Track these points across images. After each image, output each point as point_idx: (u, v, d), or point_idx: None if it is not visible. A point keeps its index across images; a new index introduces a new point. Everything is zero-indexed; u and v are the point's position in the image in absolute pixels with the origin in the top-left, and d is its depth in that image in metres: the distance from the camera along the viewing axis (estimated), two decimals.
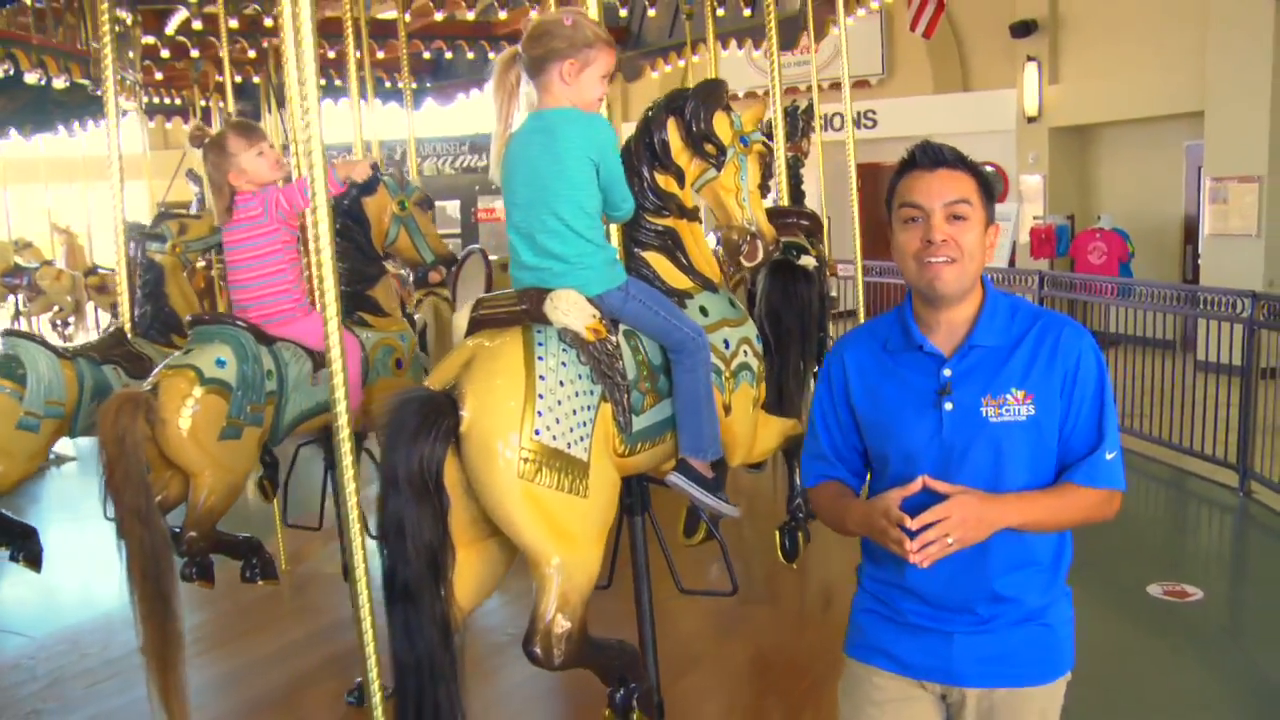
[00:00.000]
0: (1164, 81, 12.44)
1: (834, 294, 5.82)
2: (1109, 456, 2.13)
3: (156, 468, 3.57)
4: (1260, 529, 6.70)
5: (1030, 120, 14.46)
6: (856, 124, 14.21)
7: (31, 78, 6.69)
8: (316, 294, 4.11)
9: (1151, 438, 8.13)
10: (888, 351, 2.23)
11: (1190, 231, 13.22)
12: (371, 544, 2.71)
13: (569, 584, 2.72)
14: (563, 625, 2.72)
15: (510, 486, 2.64)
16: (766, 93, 5.73)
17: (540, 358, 2.75)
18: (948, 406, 2.12)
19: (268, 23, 9.15)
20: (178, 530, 3.67)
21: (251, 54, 11.35)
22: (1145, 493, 7.71)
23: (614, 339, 2.96)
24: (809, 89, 9.77)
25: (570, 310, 2.84)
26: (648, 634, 3.48)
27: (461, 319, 2.98)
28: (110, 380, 4.38)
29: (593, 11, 3.41)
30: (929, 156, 2.15)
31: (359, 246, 4.28)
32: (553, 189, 2.88)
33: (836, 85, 14.79)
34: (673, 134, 3.42)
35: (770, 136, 5.14)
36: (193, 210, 9.20)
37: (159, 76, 11.38)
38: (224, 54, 7.71)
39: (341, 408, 2.45)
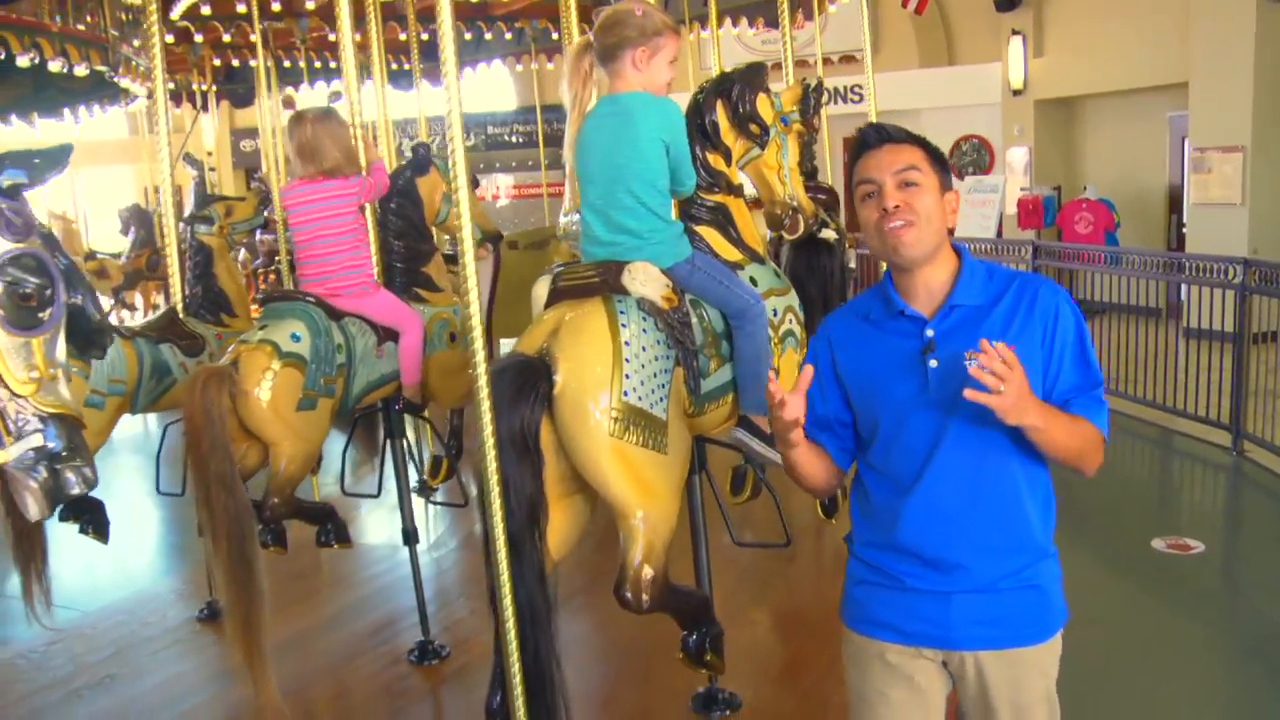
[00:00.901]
0: (1146, 54, 12.68)
1: (852, 265, 6.03)
2: (1103, 398, 2.21)
3: (235, 439, 3.75)
4: (1255, 486, 6.97)
5: (1015, 93, 14.68)
6: (844, 99, 14.47)
7: (55, 65, 6.79)
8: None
9: (1145, 401, 8.38)
10: (870, 322, 2.30)
11: (1174, 201, 13.51)
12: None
13: (653, 535, 2.94)
14: (649, 572, 2.95)
15: (601, 444, 2.85)
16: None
17: (623, 325, 2.96)
18: (932, 364, 2.18)
19: (275, 6, 9.26)
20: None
21: (252, 37, 11.46)
22: (1141, 453, 8.01)
23: (684, 307, 3.17)
24: (807, 64, 9.96)
25: (647, 281, 3.05)
26: (706, 585, 3.71)
27: (540, 290, 3.18)
28: (167, 359, 4.56)
29: None
30: (876, 135, 2.26)
31: (414, 224, 4.47)
32: (629, 168, 3.08)
33: (825, 61, 15.02)
34: (721, 115, 3.63)
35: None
36: (191, 193, 9.35)
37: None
38: (255, 36, 7.83)
39: (482, 382, 2.59)
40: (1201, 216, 11.82)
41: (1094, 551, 5.59)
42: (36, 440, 1.71)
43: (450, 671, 4.42)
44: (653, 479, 2.94)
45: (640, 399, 2.91)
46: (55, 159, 1.83)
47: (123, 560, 6.07)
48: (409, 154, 4.66)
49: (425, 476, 5.49)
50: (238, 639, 3.60)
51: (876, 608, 2.30)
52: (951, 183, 2.28)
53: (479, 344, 2.60)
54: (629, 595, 2.94)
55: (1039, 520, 2.23)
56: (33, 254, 1.73)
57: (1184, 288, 9.72)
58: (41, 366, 1.74)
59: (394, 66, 13.13)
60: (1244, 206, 11.25)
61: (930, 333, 2.20)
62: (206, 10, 8.92)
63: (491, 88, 17.78)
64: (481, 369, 2.58)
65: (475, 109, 18.06)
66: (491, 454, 2.60)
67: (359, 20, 8.53)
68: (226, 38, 11.16)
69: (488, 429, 2.57)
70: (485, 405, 2.58)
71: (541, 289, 3.18)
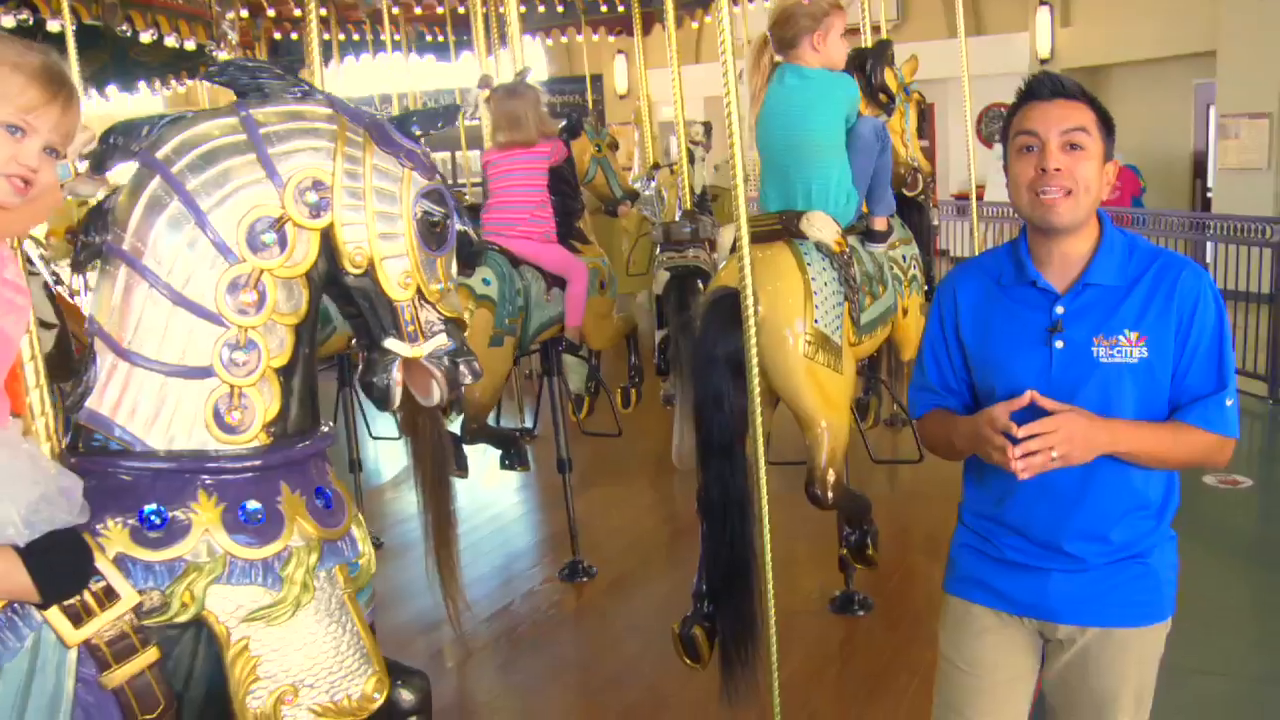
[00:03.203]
0: (1172, 23, 13.11)
1: (936, 223, 6.53)
2: (1228, 403, 2.09)
3: None
4: None
5: (1043, 63, 15.09)
6: None
7: (171, 40, 7.25)
8: None
9: None
10: (1000, 286, 2.20)
11: (1199, 166, 13.98)
12: None
13: (835, 441, 3.46)
14: (832, 475, 3.46)
15: (797, 363, 3.36)
16: None
17: (808, 264, 3.46)
18: (1058, 344, 2.09)
19: None
20: None
21: (297, 12, 11.87)
22: None
23: (849, 251, 3.67)
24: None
25: (823, 227, 3.54)
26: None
27: (727, 236, 3.67)
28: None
29: None
30: (1047, 86, 2.11)
31: (568, 183, 4.95)
32: (816, 135, 3.57)
33: (853, 31, 15.31)
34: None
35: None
36: None
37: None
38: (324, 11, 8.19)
39: (751, 350, 2.99)
40: (1228, 181, 12.29)
41: None
42: (442, 340, 2.18)
43: (598, 588, 4.94)
44: (833, 394, 3.45)
45: (825, 326, 3.41)
46: (450, 114, 2.30)
47: None
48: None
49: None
50: (435, 552, 4.07)
51: (978, 572, 2.27)
52: (1113, 151, 2.14)
53: (750, 320, 2.98)
54: (818, 492, 3.46)
55: (1156, 506, 2.18)
56: (438, 189, 2.18)
57: (1211, 248, 10.25)
58: (444, 280, 2.22)
59: (431, 39, 13.57)
60: (1270, 171, 11.73)
61: (1060, 309, 2.10)
62: None
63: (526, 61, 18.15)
64: (753, 337, 2.98)
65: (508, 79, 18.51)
66: (758, 401, 3.00)
67: None
68: (271, 12, 11.58)
69: (755, 381, 2.97)
70: (754, 363, 2.96)
71: (728, 235, 3.67)
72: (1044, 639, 2.24)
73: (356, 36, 12.99)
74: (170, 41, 7.31)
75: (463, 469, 4.77)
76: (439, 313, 2.16)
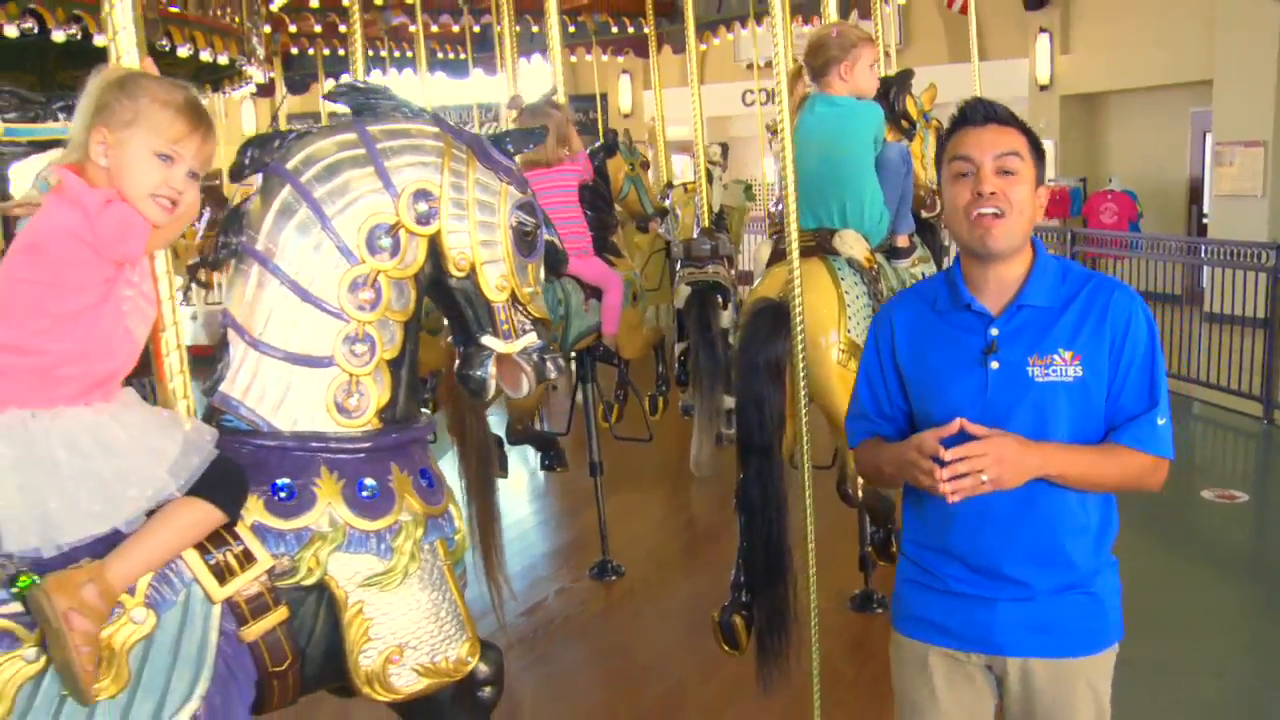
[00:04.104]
0: (1170, 52, 13.41)
1: (946, 243, 6.77)
2: (1160, 421, 2.09)
3: None
4: None
5: (1042, 89, 15.42)
6: None
7: (206, 55, 7.48)
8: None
9: (1179, 376, 9.13)
10: (936, 311, 2.22)
11: (1195, 192, 14.28)
12: None
13: None
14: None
15: (831, 370, 3.58)
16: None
17: (842, 279, 3.69)
18: (993, 365, 2.10)
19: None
20: None
21: (317, 28, 12.15)
22: (1182, 420, 8.76)
23: (878, 268, 3.90)
24: None
25: (854, 245, 3.78)
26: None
27: (764, 251, 3.91)
28: None
29: None
30: (980, 112, 2.13)
31: (603, 198, 5.19)
32: (847, 158, 3.80)
33: None
34: None
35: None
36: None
37: None
38: (358, 29, 8.45)
39: (800, 360, 3.21)
40: (1224, 207, 12.57)
41: (1154, 500, 6.36)
42: (532, 338, 2.41)
43: (627, 586, 5.16)
44: None
45: (856, 335, 3.64)
46: (539, 136, 2.54)
47: None
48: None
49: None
50: (482, 545, 4.29)
51: (923, 609, 2.26)
52: (1045, 176, 2.18)
53: (798, 332, 3.20)
54: (849, 490, 3.70)
55: (1096, 532, 2.17)
56: (530, 201, 2.42)
57: (1205, 273, 10.53)
58: (534, 284, 2.45)
59: (450, 56, 13.88)
60: (1264, 197, 12.01)
61: (995, 332, 2.12)
62: (314, 2, 9.61)
63: (537, 79, 18.46)
64: (798, 342, 3.21)
65: (488, 100, 18.88)
66: (804, 411, 3.24)
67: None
68: (293, 28, 11.86)
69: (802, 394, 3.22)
70: (801, 378, 3.21)
71: (765, 250, 3.91)
72: (994, 674, 2.22)
73: (369, 53, 13.26)
74: (205, 56, 7.53)
75: (504, 469, 4.99)
76: (529, 313, 2.38)
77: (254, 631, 2.07)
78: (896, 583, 2.34)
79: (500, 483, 5.17)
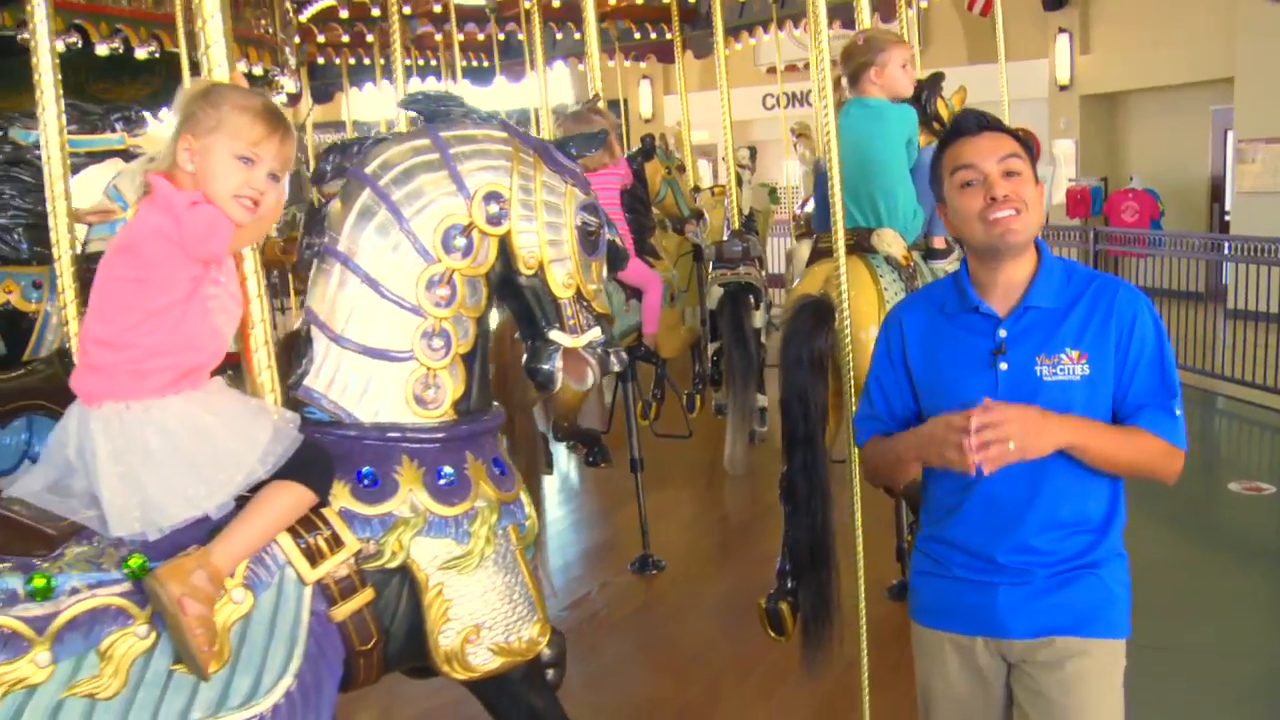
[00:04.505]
0: (1189, 51, 13.44)
1: None
2: (1176, 413, 2.14)
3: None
4: None
5: (1062, 89, 15.46)
6: None
7: (241, 66, 7.63)
8: None
9: (1203, 371, 9.19)
10: (944, 314, 2.27)
11: (1216, 190, 14.31)
12: None
13: None
14: None
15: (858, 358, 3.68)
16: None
17: (880, 276, 3.80)
18: (1003, 366, 2.14)
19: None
20: None
21: (345, 38, 12.31)
22: (1207, 415, 8.83)
23: (915, 265, 4.00)
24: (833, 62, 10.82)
25: (892, 243, 3.88)
26: None
27: (803, 250, 4.02)
28: None
29: None
30: (972, 122, 2.20)
31: (642, 202, 5.31)
32: (880, 159, 3.91)
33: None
34: None
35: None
36: None
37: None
38: (397, 38, 8.61)
39: (847, 354, 3.31)
40: (1246, 204, 12.61)
41: (1180, 492, 6.45)
42: (597, 333, 2.52)
43: (668, 580, 5.26)
44: None
45: None
46: (599, 140, 2.65)
47: None
48: None
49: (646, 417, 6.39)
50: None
51: (933, 597, 2.31)
52: (1038, 176, 2.24)
53: (846, 332, 3.29)
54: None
55: (1098, 522, 2.19)
56: (593, 203, 2.53)
57: (1228, 270, 10.59)
58: (597, 281, 2.56)
59: (475, 64, 14.06)
60: None
61: (1003, 333, 2.17)
62: (344, 14, 9.78)
63: (558, 85, 18.65)
64: (846, 337, 3.30)
65: (515, 106, 19.08)
66: (851, 401, 3.28)
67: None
68: (321, 38, 12.02)
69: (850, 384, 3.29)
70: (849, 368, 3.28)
71: (804, 250, 4.03)
72: (1005, 661, 2.25)
73: (408, 62, 13.43)
74: (241, 66, 7.67)
75: (550, 466, 5.10)
76: (593, 309, 2.50)
77: (343, 612, 2.18)
78: (910, 575, 2.40)
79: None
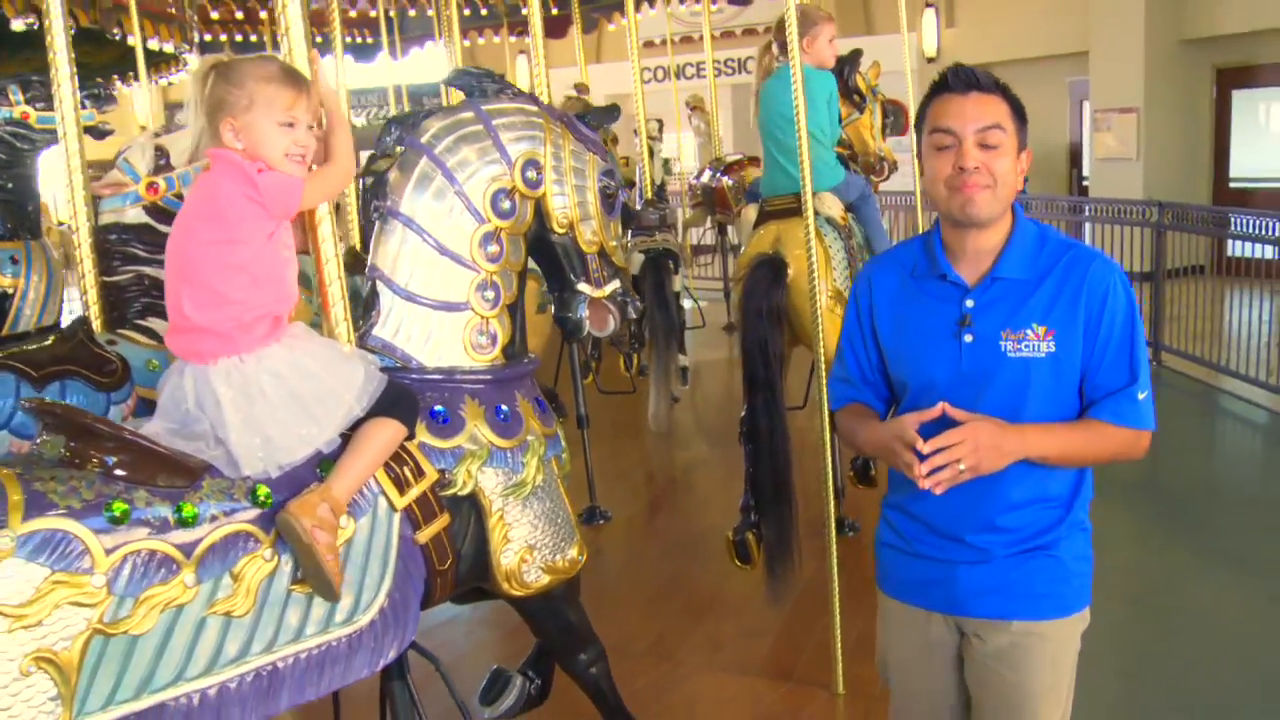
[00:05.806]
0: (1049, 25, 14.27)
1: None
2: (1140, 396, 2.07)
3: None
4: (1168, 387, 8.44)
5: (929, 61, 16.18)
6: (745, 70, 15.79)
7: (153, 43, 7.64)
8: None
9: None
10: (914, 277, 2.20)
11: (1074, 156, 15.23)
12: None
13: None
14: None
15: (822, 314, 4.07)
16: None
17: (825, 234, 4.18)
18: (967, 338, 2.08)
19: None
20: None
21: (263, 14, 12.18)
22: None
23: (850, 224, 4.41)
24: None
25: (832, 205, 4.28)
26: None
27: (750, 213, 4.39)
28: None
29: None
30: (962, 79, 2.07)
31: None
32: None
33: (750, 31, 16.20)
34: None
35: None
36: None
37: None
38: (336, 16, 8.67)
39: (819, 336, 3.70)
40: (1102, 170, 13.50)
41: None
42: (616, 284, 2.83)
43: (617, 529, 5.59)
44: None
45: (840, 284, 4.14)
46: (613, 114, 2.95)
47: None
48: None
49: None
50: None
51: (895, 570, 2.31)
52: (1027, 140, 2.13)
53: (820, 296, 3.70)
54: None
55: (1066, 498, 2.15)
56: (611, 168, 2.84)
57: (1088, 230, 11.38)
58: (615, 237, 2.87)
59: (359, 40, 14.01)
60: (1139, 161, 12.95)
61: (970, 303, 2.11)
62: None
63: (431, 63, 18.63)
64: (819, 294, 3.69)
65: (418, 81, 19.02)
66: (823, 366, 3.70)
67: None
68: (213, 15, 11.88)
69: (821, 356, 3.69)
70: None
71: (751, 212, 4.39)
72: (960, 632, 2.23)
73: (277, 39, 13.28)
74: (152, 44, 7.69)
75: (563, 414, 5.33)
76: (612, 263, 2.81)
77: (426, 534, 2.45)
78: (876, 543, 2.38)
79: None
